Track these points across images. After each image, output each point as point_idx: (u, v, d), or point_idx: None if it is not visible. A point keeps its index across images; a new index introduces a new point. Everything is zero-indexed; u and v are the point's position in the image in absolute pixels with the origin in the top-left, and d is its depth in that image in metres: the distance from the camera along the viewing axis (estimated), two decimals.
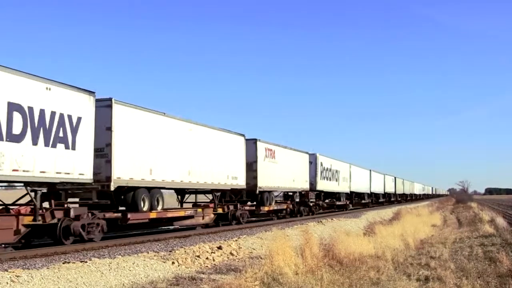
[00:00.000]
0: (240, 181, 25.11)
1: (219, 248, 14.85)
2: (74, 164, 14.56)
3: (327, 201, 41.92)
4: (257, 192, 26.90)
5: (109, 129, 16.33)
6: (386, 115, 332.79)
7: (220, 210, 23.72)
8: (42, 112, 13.48)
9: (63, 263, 10.94)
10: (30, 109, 13.13)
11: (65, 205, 15.44)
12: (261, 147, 27.34)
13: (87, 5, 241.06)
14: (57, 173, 13.93)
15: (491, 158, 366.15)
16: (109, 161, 16.22)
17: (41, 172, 13.37)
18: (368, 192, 56.48)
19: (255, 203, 27.98)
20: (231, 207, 24.87)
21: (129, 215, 17.29)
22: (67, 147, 14.31)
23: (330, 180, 40.48)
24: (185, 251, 13.68)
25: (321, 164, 37.98)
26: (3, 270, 9.76)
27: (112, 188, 16.28)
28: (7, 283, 8.82)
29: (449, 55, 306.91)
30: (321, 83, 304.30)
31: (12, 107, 12.61)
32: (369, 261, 13.56)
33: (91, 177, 15.28)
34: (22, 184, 13.88)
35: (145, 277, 10.97)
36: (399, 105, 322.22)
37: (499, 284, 11.22)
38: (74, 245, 14.84)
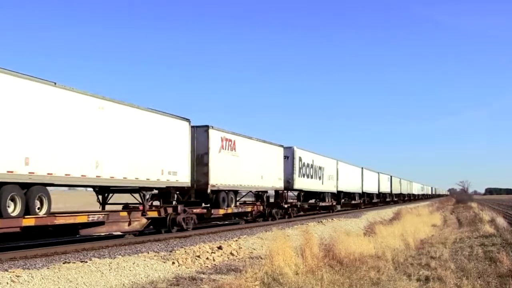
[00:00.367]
0: (182, 177, 19.77)
1: (219, 248, 14.85)
2: None
3: (312, 201, 37.70)
4: (209, 191, 21.67)
5: None
6: (386, 115, 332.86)
7: (153, 214, 18.78)
8: None
9: (64, 263, 10.94)
10: None
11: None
12: (215, 136, 22.16)
13: (87, 5, 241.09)
14: None
15: (491, 158, 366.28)
16: None
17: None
18: (360, 191, 51.81)
19: (209, 205, 22.68)
20: (169, 210, 19.43)
21: None
22: None
23: (311, 177, 35.32)
24: (185, 251, 13.68)
25: (300, 159, 32.76)
26: (3, 270, 9.76)
27: None
28: (7, 283, 8.81)
29: (449, 55, 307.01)
30: (321, 83, 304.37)
31: None
32: (370, 261, 13.56)
33: None
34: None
35: (145, 277, 10.97)
36: (399, 105, 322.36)
37: (500, 284, 11.22)
38: (74, 245, 14.84)
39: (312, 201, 37.96)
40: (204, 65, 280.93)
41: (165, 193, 19.79)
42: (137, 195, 18.64)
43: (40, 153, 13.55)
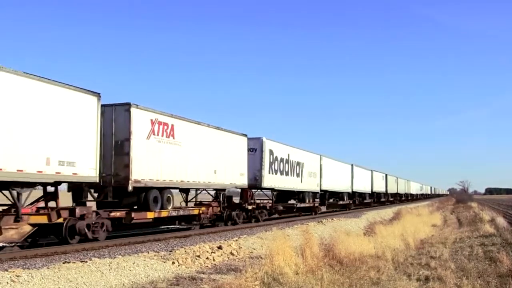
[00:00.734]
0: (83, 170, 14.93)
1: (219, 248, 14.85)
2: None
3: (292, 201, 33.32)
4: (130, 188, 16.81)
5: None
6: (386, 115, 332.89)
7: (40, 219, 14.33)
8: None
9: (63, 263, 10.94)
10: None
11: None
12: (141, 117, 17.33)
13: (87, 5, 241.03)
14: None
15: (491, 158, 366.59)
16: None
17: None
18: (349, 191, 46.91)
19: (135, 206, 18.03)
20: (64, 214, 14.75)
21: None
22: None
23: (287, 174, 30.49)
24: (185, 251, 13.68)
25: (271, 153, 27.91)
26: (3, 270, 9.76)
27: None
28: (7, 283, 8.82)
29: (449, 55, 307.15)
30: (321, 83, 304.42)
31: None
32: (369, 261, 13.56)
33: None
34: None
35: (145, 277, 10.97)
36: (399, 105, 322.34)
37: (500, 284, 11.22)
38: (74, 245, 14.83)
39: (292, 201, 33.50)
40: (204, 65, 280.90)
41: (76, 191, 15.90)
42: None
43: None
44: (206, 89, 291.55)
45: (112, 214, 16.63)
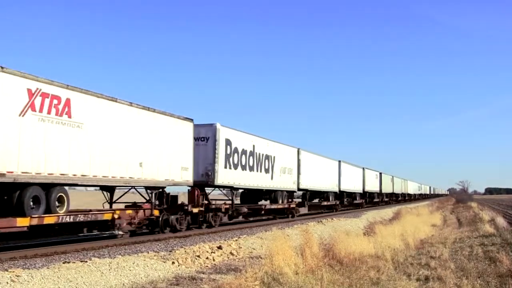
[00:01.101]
0: None
1: (219, 248, 14.86)
2: None
3: (264, 202, 29.14)
4: None
5: None
6: (386, 115, 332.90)
7: None
8: None
9: (63, 263, 10.95)
10: None
11: None
12: (9, 85, 12.58)
13: (88, 5, 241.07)
14: None
15: (491, 158, 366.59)
16: None
17: None
18: (336, 190, 42.51)
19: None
20: None
21: None
22: None
23: (251, 170, 25.66)
24: (185, 251, 13.68)
25: (228, 143, 23.22)
26: (3, 270, 9.77)
27: None
28: (7, 283, 8.82)
29: (449, 55, 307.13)
30: (321, 83, 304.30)
31: None
32: (369, 261, 13.56)
33: None
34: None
35: (145, 277, 10.97)
36: (399, 105, 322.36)
37: (499, 284, 11.21)
38: (74, 244, 14.84)
39: (264, 202, 29.41)
40: (204, 65, 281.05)
41: None
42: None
43: None
44: (206, 88, 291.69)
45: None
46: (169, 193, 20.03)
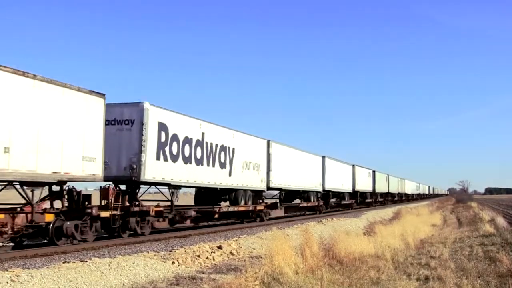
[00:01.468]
0: None
1: (219, 247, 14.85)
2: None
3: (227, 205, 24.26)
4: None
5: None
6: (386, 115, 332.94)
7: None
8: None
9: (63, 263, 10.95)
10: None
11: None
12: None
13: (88, 5, 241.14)
14: None
15: (491, 158, 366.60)
16: None
17: None
18: (320, 190, 37.70)
19: None
20: None
21: None
22: None
23: (198, 163, 20.65)
24: (185, 251, 13.68)
25: (163, 128, 18.39)
26: (3, 270, 9.76)
27: None
28: (7, 282, 8.82)
29: (449, 55, 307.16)
30: (321, 83, 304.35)
31: None
32: (369, 260, 13.56)
33: None
34: None
35: (145, 277, 10.97)
36: (399, 105, 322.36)
37: (499, 283, 11.21)
38: (74, 244, 14.84)
39: (230, 205, 24.34)
40: (204, 65, 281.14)
41: None
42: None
43: None
44: (206, 89, 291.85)
45: None
46: (80, 191, 15.49)
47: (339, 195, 44.13)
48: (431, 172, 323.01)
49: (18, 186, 13.73)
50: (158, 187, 19.70)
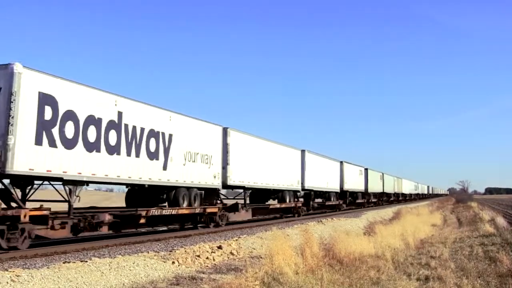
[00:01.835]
0: None
1: (219, 247, 14.85)
2: None
3: (162, 210, 18.61)
4: None
5: None
6: (386, 115, 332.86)
7: None
8: None
9: (63, 263, 10.95)
10: None
11: None
12: None
13: (88, 5, 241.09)
14: None
15: (491, 158, 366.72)
16: None
17: None
18: (297, 189, 33.00)
19: None
20: None
21: None
22: None
23: (113, 152, 16.02)
24: (185, 251, 13.68)
25: (47, 101, 13.61)
26: (3, 270, 9.76)
27: None
28: (7, 282, 8.81)
29: (449, 55, 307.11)
30: (321, 83, 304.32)
31: None
32: (369, 260, 13.56)
33: None
34: None
35: (145, 277, 10.97)
36: (399, 105, 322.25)
37: (499, 283, 11.21)
38: (74, 244, 14.84)
39: (169, 207, 19.43)
40: (204, 65, 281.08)
41: None
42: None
43: None
44: (206, 89, 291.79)
45: None
46: None
47: (323, 195, 39.42)
48: (431, 172, 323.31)
49: None
50: (51, 183, 14.89)
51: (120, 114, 16.51)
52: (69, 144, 14.36)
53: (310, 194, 36.19)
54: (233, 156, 23.89)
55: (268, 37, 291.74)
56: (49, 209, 14.05)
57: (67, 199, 14.64)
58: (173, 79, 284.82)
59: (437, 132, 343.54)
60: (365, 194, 53.04)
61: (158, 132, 18.42)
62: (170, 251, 13.64)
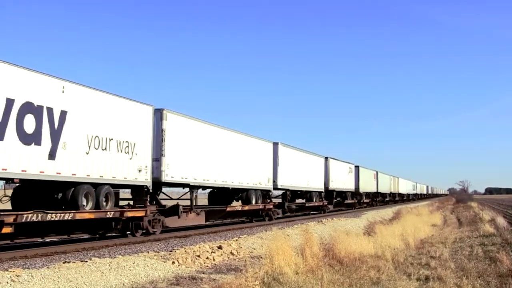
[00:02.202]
0: None
1: (220, 247, 14.85)
2: None
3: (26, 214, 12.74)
4: None
5: None
6: (386, 115, 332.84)
7: None
8: None
9: (63, 263, 10.95)
10: None
11: None
12: None
13: (88, 5, 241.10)
14: None
15: (491, 158, 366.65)
16: None
17: None
18: (269, 188, 28.06)
19: None
20: None
21: None
22: None
23: None
24: (185, 251, 13.67)
25: None
26: (3, 270, 9.76)
27: None
28: (7, 282, 8.81)
29: (449, 55, 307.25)
30: (321, 83, 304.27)
31: None
32: (369, 260, 13.55)
33: None
34: None
35: (145, 277, 10.97)
36: (399, 105, 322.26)
37: (499, 284, 11.21)
38: (74, 244, 14.83)
39: (67, 210, 14.32)
40: (204, 65, 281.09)
41: None
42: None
43: None
44: (207, 89, 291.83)
45: None
46: None
47: (303, 195, 34.61)
48: (431, 172, 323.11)
49: None
50: None
51: None
52: None
53: (285, 194, 31.47)
54: (170, 145, 18.62)
55: (268, 37, 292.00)
56: None
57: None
58: (173, 79, 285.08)
59: (437, 132, 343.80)
60: (356, 194, 48.38)
61: (40, 107, 13.41)
62: (170, 251, 13.64)
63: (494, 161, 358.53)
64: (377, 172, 58.58)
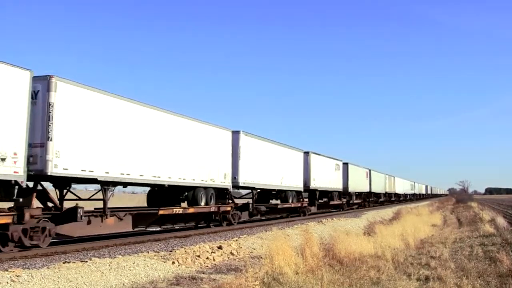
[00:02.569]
0: None
1: (220, 248, 14.85)
2: None
3: None
4: None
5: None
6: (386, 115, 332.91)
7: None
8: None
9: (63, 263, 10.95)
10: None
11: None
12: None
13: (88, 5, 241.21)
14: None
15: (491, 158, 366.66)
16: None
17: None
18: (227, 185, 23.20)
19: None
20: None
21: None
22: None
23: None
24: (185, 251, 13.67)
25: None
26: (3, 270, 9.76)
27: None
28: (7, 282, 8.81)
29: (449, 55, 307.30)
30: (321, 83, 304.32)
31: None
32: (369, 260, 13.55)
33: None
34: None
35: (145, 277, 10.97)
36: (399, 105, 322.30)
37: (499, 284, 11.20)
38: (74, 244, 14.83)
39: None
40: (204, 65, 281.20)
41: None
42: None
43: None
44: (207, 88, 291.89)
45: None
46: None
47: (278, 195, 30.17)
48: (431, 172, 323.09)
49: None
50: None
51: None
52: None
53: (251, 194, 26.45)
54: (63, 125, 13.73)
55: (268, 37, 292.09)
56: None
57: None
58: (173, 79, 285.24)
59: (437, 132, 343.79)
60: (345, 194, 43.20)
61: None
62: (170, 251, 13.64)
63: (494, 161, 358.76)
64: (370, 170, 53.44)
